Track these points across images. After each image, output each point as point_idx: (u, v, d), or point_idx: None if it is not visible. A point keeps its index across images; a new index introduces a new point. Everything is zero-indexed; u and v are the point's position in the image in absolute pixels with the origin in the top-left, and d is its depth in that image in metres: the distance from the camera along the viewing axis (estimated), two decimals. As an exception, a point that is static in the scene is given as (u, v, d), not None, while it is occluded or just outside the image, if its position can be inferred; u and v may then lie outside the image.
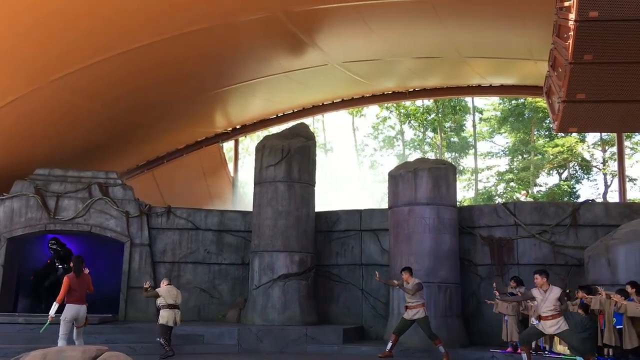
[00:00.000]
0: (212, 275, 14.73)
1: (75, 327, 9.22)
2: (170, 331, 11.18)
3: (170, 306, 10.77)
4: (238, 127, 21.84)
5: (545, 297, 8.76)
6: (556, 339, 10.77)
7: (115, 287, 14.11)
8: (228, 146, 24.41)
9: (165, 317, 10.68)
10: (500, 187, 33.55)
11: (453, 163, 22.64)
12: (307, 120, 20.20)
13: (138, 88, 14.79)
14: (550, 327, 8.78)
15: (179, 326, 11.03)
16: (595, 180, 32.14)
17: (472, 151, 35.22)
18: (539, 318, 8.99)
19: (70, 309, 9.04)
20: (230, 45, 14.34)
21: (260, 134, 21.09)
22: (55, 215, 14.00)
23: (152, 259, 14.40)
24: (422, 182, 12.60)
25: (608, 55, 6.05)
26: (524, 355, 9.59)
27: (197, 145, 21.41)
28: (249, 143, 32.56)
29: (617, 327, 9.43)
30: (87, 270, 9.66)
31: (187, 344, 11.80)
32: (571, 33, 6.03)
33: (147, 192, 17.66)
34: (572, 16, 5.97)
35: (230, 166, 23.64)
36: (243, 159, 26.29)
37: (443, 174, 12.80)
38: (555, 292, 8.79)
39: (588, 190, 32.30)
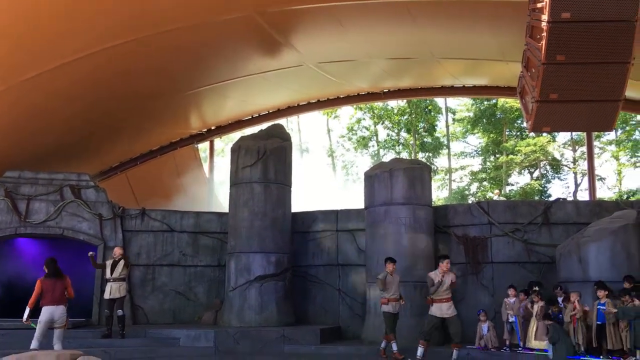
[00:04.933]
0: (187, 277, 14.58)
1: (55, 330, 9.05)
2: (113, 305, 11.65)
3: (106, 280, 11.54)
4: (213, 128, 21.70)
5: (444, 281, 9.87)
6: (530, 334, 10.92)
7: (89, 291, 13.87)
8: (203, 147, 24.23)
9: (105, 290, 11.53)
10: (474, 187, 34.03)
11: (427, 163, 22.77)
12: (282, 121, 20.12)
13: (111, 88, 14.59)
14: (447, 309, 9.94)
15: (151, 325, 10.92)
16: (565, 179, 32.83)
17: (445, 151, 35.60)
18: (432, 301, 9.96)
19: (44, 312, 8.91)
20: (205, 45, 14.23)
21: (235, 135, 20.93)
22: (26, 219, 13.72)
23: (126, 263, 14.11)
24: (397, 182, 12.65)
25: (580, 55, 6.14)
26: (420, 350, 10.21)
27: (172, 147, 21.19)
28: (224, 146, 32.43)
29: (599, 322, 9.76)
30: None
31: (163, 347, 11.68)
32: (544, 34, 6.10)
33: (120, 194, 17.44)
34: (544, 17, 6.04)
35: (206, 167, 23.47)
36: (218, 161, 26.11)
37: (418, 174, 12.87)
38: (452, 276, 10.01)
39: (559, 189, 32.93)
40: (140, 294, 14.06)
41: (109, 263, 12.20)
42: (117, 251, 12.34)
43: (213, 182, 23.42)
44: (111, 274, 12.05)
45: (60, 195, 14.07)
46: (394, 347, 10.70)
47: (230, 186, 14.04)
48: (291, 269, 13.74)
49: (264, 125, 16.95)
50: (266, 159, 13.62)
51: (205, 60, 15.30)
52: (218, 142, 25.01)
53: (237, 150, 13.97)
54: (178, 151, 21.50)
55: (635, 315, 9.19)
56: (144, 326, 13.19)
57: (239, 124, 21.67)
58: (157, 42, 12.91)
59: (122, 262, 12.16)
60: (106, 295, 12.01)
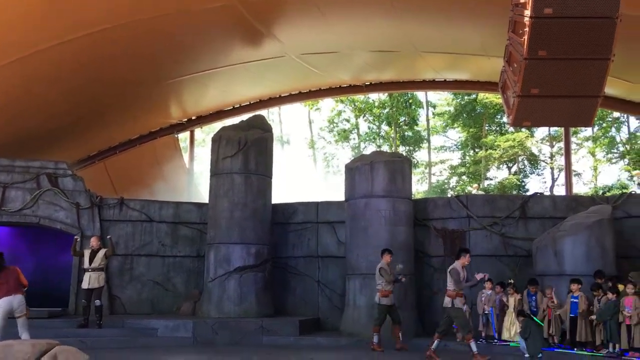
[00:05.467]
0: (166, 267, 14.49)
1: (17, 319, 8.96)
2: (90, 295, 11.68)
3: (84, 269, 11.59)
4: (194, 118, 21.55)
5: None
6: (504, 327, 11.05)
7: (66, 281, 13.73)
8: (183, 137, 24.05)
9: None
10: (453, 181, 34.29)
11: (407, 156, 22.87)
12: (263, 112, 20.04)
13: (91, 76, 14.41)
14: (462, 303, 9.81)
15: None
16: (542, 174, 33.23)
17: (425, 145, 35.78)
18: (456, 295, 9.66)
19: (2, 303, 8.82)
20: (187, 34, 14.10)
21: (216, 126, 20.80)
22: (2, 207, 13.48)
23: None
24: (378, 174, 12.66)
25: (561, 51, 6.19)
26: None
27: (152, 136, 21.00)
28: (205, 136, 32.21)
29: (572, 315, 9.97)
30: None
31: (141, 337, 11.60)
32: (526, 29, 6.14)
33: (98, 183, 17.23)
34: (527, 12, 6.08)
35: (186, 157, 23.30)
36: (199, 151, 25.95)
37: (399, 167, 12.91)
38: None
39: (536, 184, 33.28)
40: (118, 284, 13.91)
41: (87, 252, 12.08)
42: (95, 242, 12.23)
43: (193, 172, 23.26)
44: (90, 263, 11.93)
45: (37, 184, 13.85)
46: (376, 339, 10.78)
47: (211, 176, 13.95)
48: (271, 261, 13.70)
49: (245, 116, 16.83)
50: (247, 150, 13.54)
51: (187, 49, 15.15)
52: (199, 132, 24.84)
53: (217, 140, 13.87)
54: (158, 141, 21.30)
55: (611, 315, 9.34)
56: (121, 316, 13.09)
57: (219, 114, 21.53)
58: (137, 30, 12.75)
59: (101, 252, 12.07)
60: (84, 285, 11.90)
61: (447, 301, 9.58)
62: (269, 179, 13.97)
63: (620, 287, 9.75)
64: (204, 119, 21.87)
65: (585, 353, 9.55)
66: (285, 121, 41.13)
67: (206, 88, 18.67)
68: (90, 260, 11.95)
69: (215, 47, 15.36)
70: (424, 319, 12.79)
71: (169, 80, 16.91)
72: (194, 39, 14.61)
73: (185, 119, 21.36)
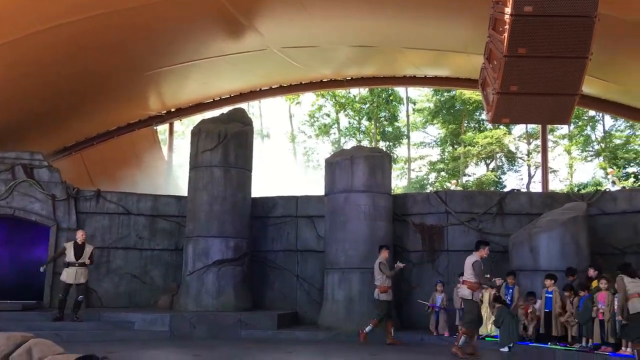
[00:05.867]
0: (144, 261, 14.40)
1: None
2: (69, 289, 11.57)
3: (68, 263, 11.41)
4: (173, 110, 21.37)
5: None
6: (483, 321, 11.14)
7: (41, 274, 13.53)
8: (162, 129, 23.84)
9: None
10: (432, 176, 34.53)
11: (387, 152, 22.95)
12: (244, 106, 19.89)
13: (69, 66, 14.21)
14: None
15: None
16: (519, 171, 33.65)
17: (405, 141, 35.93)
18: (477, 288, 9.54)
19: None
20: (167, 25, 13.97)
21: (196, 118, 20.64)
22: (-24, 198, 13.30)
23: None
24: (358, 169, 12.70)
25: (541, 49, 6.26)
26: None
27: (130, 128, 20.78)
28: (184, 129, 31.97)
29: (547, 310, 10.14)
30: None
31: (118, 331, 11.53)
32: (507, 27, 6.19)
33: (75, 175, 17.02)
34: (508, 10, 6.13)
35: (165, 150, 23.10)
36: (178, 143, 25.75)
37: (379, 162, 12.96)
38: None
39: (513, 181, 33.65)
40: (95, 277, 13.65)
41: (69, 246, 11.85)
42: (82, 235, 11.99)
43: (172, 165, 23.08)
44: (77, 258, 11.72)
45: (12, 174, 13.66)
46: (368, 329, 10.88)
47: (190, 169, 13.88)
48: (250, 254, 13.69)
49: (225, 109, 16.75)
50: (227, 143, 13.50)
51: (166, 41, 15.00)
52: (178, 124, 24.61)
53: (197, 133, 13.80)
54: (136, 132, 21.08)
55: (590, 316, 9.48)
56: (97, 309, 13.00)
57: (199, 106, 21.38)
58: (115, 20, 12.60)
59: (88, 248, 11.91)
60: (69, 280, 11.66)
61: (466, 293, 9.45)
62: (248, 172, 13.93)
63: (594, 283, 9.90)
64: (183, 112, 21.70)
65: (559, 347, 9.70)
66: (266, 115, 40.99)
67: (186, 80, 18.52)
68: (77, 255, 11.74)
69: (195, 38, 15.22)
70: (402, 313, 12.88)
71: (148, 71, 16.73)
72: (174, 31, 14.47)
73: (164, 111, 21.17)
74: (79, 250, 11.78)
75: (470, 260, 9.51)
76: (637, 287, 8.18)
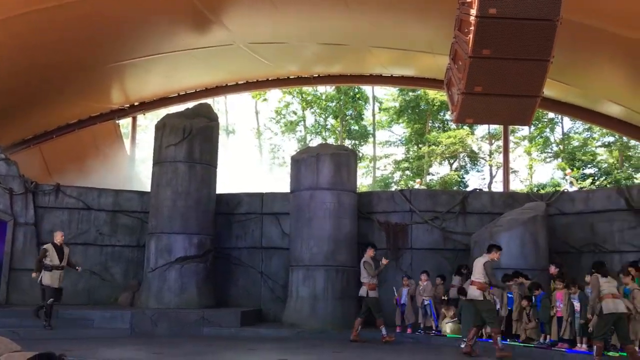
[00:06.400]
0: (104, 257, 14.18)
1: None
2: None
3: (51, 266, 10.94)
4: (136, 104, 21.01)
5: None
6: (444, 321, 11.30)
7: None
8: (125, 122, 23.47)
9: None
10: (397, 175, 34.83)
11: (353, 149, 23.04)
12: (209, 101, 19.74)
13: (26, 57, 13.87)
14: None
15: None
16: (482, 171, 34.25)
17: (371, 139, 36.15)
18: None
19: None
20: (130, 16, 13.72)
21: (160, 113, 20.36)
22: None
23: (38, 240, 13.52)
24: (324, 167, 12.72)
25: (504, 50, 6.37)
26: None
27: (92, 121, 20.37)
28: (148, 123, 31.53)
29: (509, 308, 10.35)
30: None
31: (76, 328, 11.32)
32: (472, 28, 6.28)
33: (33, 168, 16.65)
34: (473, 12, 6.21)
35: (128, 144, 22.72)
36: (141, 138, 25.36)
37: (344, 160, 13.02)
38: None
39: (475, 180, 34.20)
40: None
41: (50, 248, 11.20)
42: (61, 237, 11.46)
43: (135, 160, 22.73)
44: (60, 261, 11.17)
45: (-33, 167, 13.31)
46: (384, 331, 10.85)
47: (153, 164, 13.70)
48: (214, 251, 13.57)
49: (190, 104, 16.64)
50: (192, 138, 13.36)
51: (130, 33, 14.76)
52: (142, 118, 24.23)
53: (161, 127, 13.63)
54: (98, 126, 20.69)
55: (549, 314, 9.62)
56: (56, 306, 12.70)
57: (163, 101, 21.08)
58: (77, 11, 12.34)
59: (66, 249, 11.44)
60: (55, 284, 11.01)
61: (477, 294, 9.27)
62: (213, 168, 13.82)
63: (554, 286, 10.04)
64: (147, 105, 21.35)
65: (518, 344, 9.91)
66: (232, 111, 40.68)
67: (150, 74, 18.23)
68: (60, 257, 11.21)
69: (160, 32, 15.00)
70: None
71: (110, 64, 16.43)
72: (139, 23, 14.26)
73: (128, 105, 20.81)
74: (60, 252, 11.25)
75: (481, 260, 9.41)
76: (610, 287, 8.25)
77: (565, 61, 11.90)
